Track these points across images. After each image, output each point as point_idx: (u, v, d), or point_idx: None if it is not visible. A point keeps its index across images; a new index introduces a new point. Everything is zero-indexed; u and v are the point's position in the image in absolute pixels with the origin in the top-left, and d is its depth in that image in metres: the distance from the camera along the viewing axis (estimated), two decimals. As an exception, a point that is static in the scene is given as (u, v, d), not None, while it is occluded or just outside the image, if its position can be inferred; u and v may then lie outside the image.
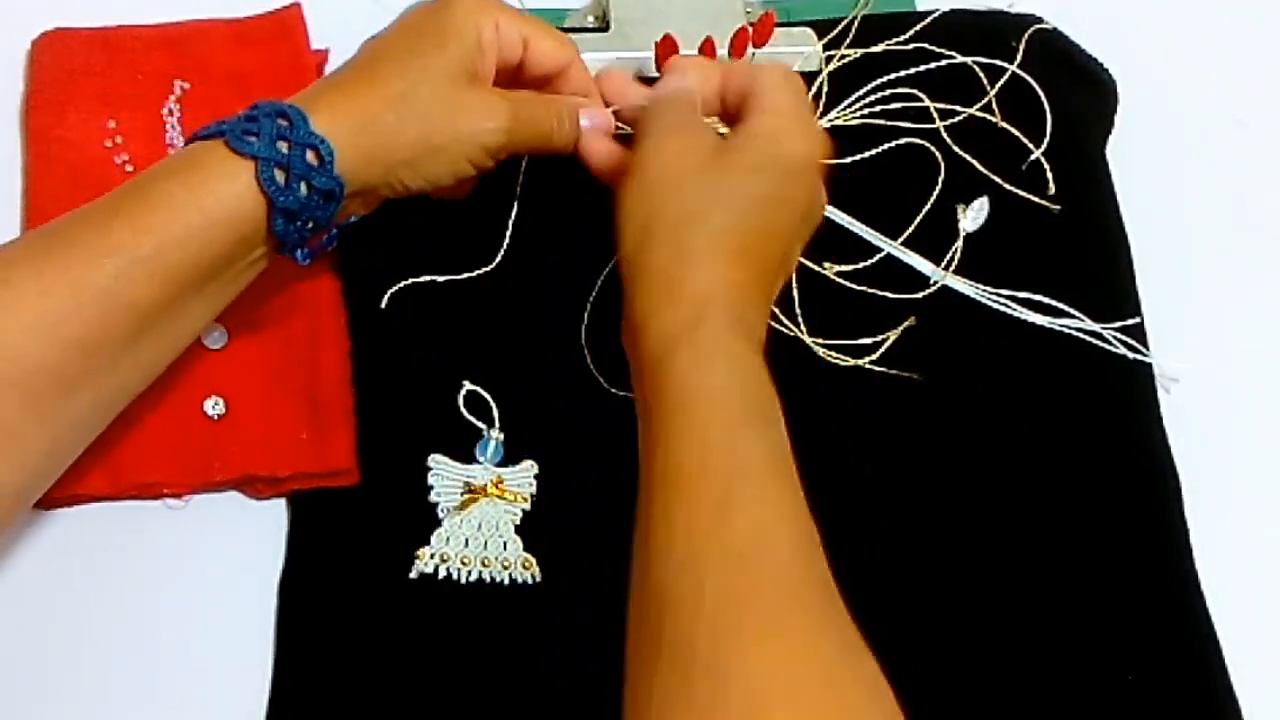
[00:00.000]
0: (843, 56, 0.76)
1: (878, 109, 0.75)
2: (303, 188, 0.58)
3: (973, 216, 0.73)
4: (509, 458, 0.68)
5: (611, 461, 0.67)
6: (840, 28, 0.77)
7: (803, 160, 0.60)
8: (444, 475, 0.67)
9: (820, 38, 0.77)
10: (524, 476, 0.67)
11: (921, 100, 0.75)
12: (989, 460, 0.69)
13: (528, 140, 0.64)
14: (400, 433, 0.68)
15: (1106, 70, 0.78)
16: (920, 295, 0.71)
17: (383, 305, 0.70)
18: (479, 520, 0.66)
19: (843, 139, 0.74)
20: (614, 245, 0.60)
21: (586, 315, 0.70)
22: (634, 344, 0.56)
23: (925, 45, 0.77)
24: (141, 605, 0.65)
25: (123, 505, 0.67)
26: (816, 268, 0.72)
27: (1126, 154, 0.77)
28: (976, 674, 0.65)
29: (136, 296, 0.57)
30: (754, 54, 0.71)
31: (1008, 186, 0.74)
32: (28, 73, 0.74)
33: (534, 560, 0.66)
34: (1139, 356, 0.71)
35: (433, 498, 0.67)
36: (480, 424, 0.68)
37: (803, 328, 0.70)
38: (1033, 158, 0.74)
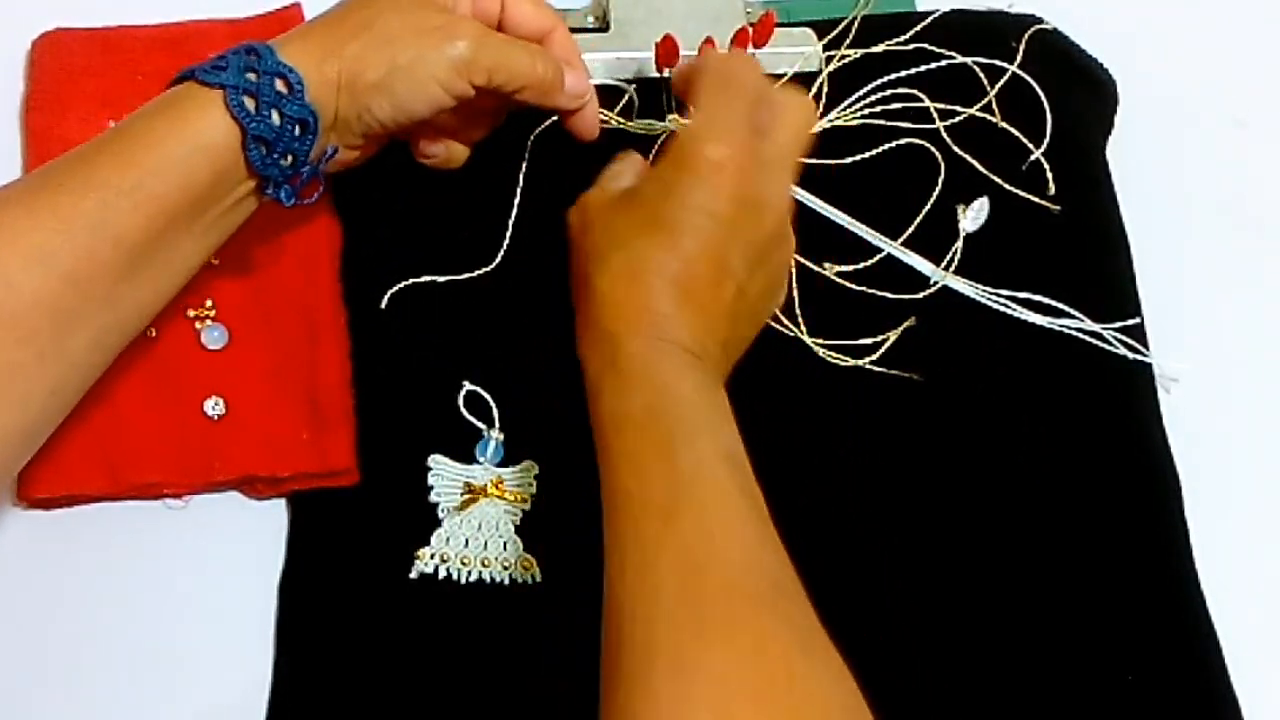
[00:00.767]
0: (843, 57, 0.76)
1: (878, 109, 0.75)
2: (274, 115, 0.59)
3: (973, 217, 0.73)
4: (509, 458, 0.68)
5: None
6: (840, 28, 0.77)
7: (705, 168, 0.59)
8: (444, 475, 0.67)
9: (820, 38, 0.76)
10: (524, 477, 0.67)
11: (921, 100, 0.75)
12: (989, 460, 0.69)
13: (498, 65, 0.63)
14: (400, 433, 0.68)
15: (1106, 70, 0.78)
16: (920, 295, 0.71)
17: (383, 305, 0.70)
18: (479, 520, 0.66)
19: (843, 139, 0.74)
20: None
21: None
22: (590, 354, 0.59)
23: (925, 45, 0.77)
24: (141, 605, 0.65)
25: (123, 505, 0.67)
26: (816, 268, 0.72)
27: (1126, 154, 0.77)
28: (976, 674, 0.65)
29: (123, 228, 0.58)
30: (754, 54, 0.71)
31: (1008, 187, 0.74)
32: (28, 73, 0.74)
33: (534, 560, 0.66)
34: (1139, 356, 0.71)
35: (433, 498, 0.67)
36: (480, 424, 0.68)
37: (803, 328, 0.70)
38: (1033, 158, 0.74)
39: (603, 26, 0.76)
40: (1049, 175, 0.74)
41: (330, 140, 0.63)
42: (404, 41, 0.61)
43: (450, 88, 0.62)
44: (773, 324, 0.70)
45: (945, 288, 0.71)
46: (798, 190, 0.72)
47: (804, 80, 0.75)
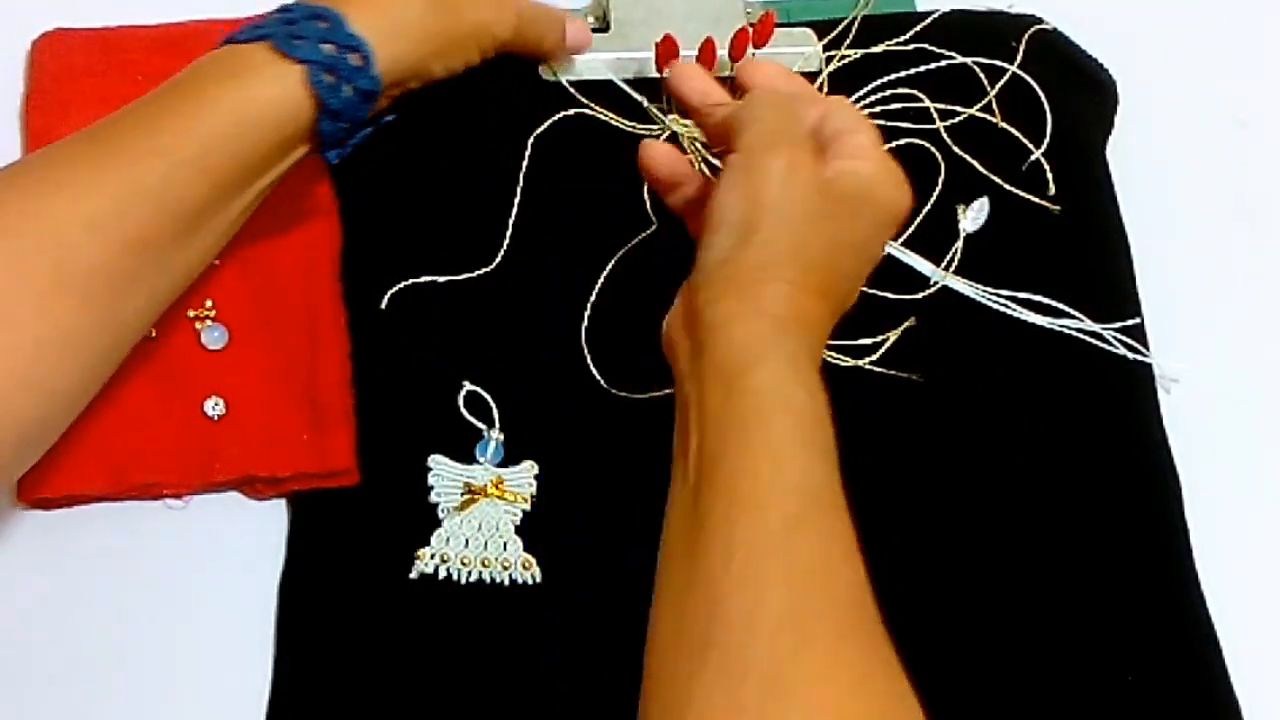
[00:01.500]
0: (843, 57, 0.76)
1: (878, 109, 0.75)
2: (348, 89, 0.61)
3: (973, 217, 0.73)
4: (509, 458, 0.68)
5: (611, 461, 0.67)
6: (840, 28, 0.77)
7: (893, 215, 0.59)
8: (444, 475, 0.67)
9: (820, 38, 0.77)
10: (524, 477, 0.67)
11: (921, 100, 0.75)
12: (989, 460, 0.69)
13: (526, 38, 0.69)
14: (400, 433, 0.68)
15: (1106, 70, 0.78)
16: (920, 295, 0.71)
17: (383, 305, 0.70)
18: (479, 521, 0.66)
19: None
20: (693, 231, 0.60)
21: (586, 315, 0.70)
22: (699, 341, 0.55)
23: (925, 45, 0.77)
24: (141, 605, 0.65)
25: (123, 505, 0.66)
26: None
27: (1126, 154, 0.77)
28: (977, 674, 0.65)
29: (185, 196, 0.58)
30: (754, 54, 0.71)
31: (1008, 187, 0.74)
32: (28, 73, 0.74)
33: (534, 560, 0.66)
34: (1139, 356, 0.71)
35: (433, 498, 0.67)
36: (480, 424, 0.68)
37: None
38: (1033, 158, 0.74)
39: (603, 26, 0.76)
40: (1049, 175, 0.74)
41: (382, 102, 0.64)
42: (461, 12, 0.65)
43: (487, 55, 0.67)
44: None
45: (945, 288, 0.71)
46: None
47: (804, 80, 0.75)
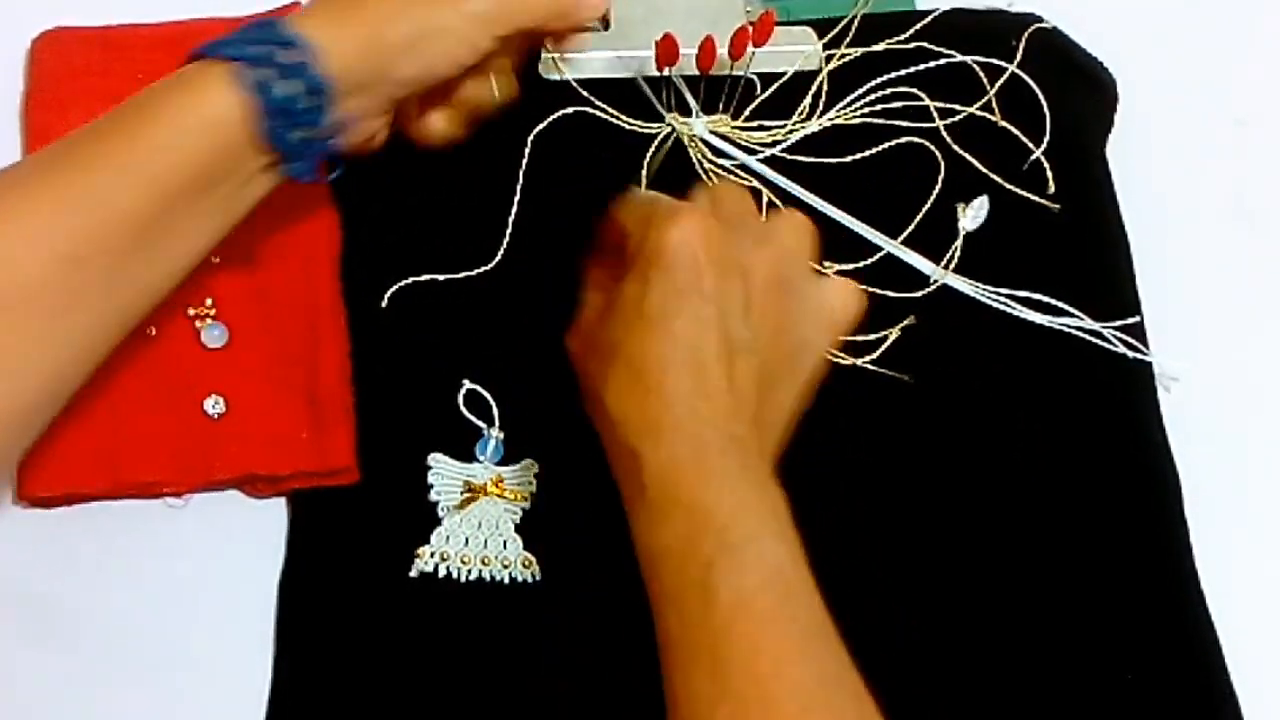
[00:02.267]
0: (843, 56, 0.76)
1: (878, 108, 0.75)
2: (282, 85, 0.58)
3: (973, 216, 0.73)
4: (509, 457, 0.68)
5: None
6: (840, 27, 0.77)
7: (671, 249, 0.56)
8: (444, 474, 0.67)
9: (820, 37, 0.76)
10: (524, 475, 0.67)
11: (921, 99, 0.75)
12: (989, 459, 0.69)
13: (523, 9, 0.62)
14: (400, 432, 0.68)
15: (1106, 70, 0.78)
16: (920, 294, 0.71)
17: (383, 305, 0.70)
18: (479, 519, 0.66)
19: (843, 138, 0.74)
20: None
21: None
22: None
23: (925, 44, 0.77)
24: (141, 605, 0.65)
25: (123, 505, 0.66)
26: (817, 266, 0.71)
27: (1126, 154, 0.77)
28: (976, 674, 0.65)
29: (126, 207, 0.56)
30: (754, 53, 0.71)
31: (1008, 186, 0.74)
32: (28, 72, 0.74)
33: (534, 559, 0.66)
34: (1139, 356, 0.71)
35: (433, 497, 0.67)
36: (480, 423, 0.68)
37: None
38: (1033, 158, 0.74)
39: (603, 25, 0.76)
40: (1049, 175, 0.74)
41: (349, 107, 0.60)
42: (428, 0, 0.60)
43: (477, 45, 0.61)
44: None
45: (945, 287, 0.71)
46: (798, 189, 0.72)
47: (804, 79, 0.75)
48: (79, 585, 0.66)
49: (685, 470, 0.53)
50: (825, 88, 0.76)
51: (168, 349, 0.68)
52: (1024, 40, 0.77)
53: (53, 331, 0.56)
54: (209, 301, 0.69)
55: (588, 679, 0.63)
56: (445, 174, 0.72)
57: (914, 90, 0.75)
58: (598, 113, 0.74)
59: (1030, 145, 0.75)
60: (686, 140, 0.73)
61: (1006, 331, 0.71)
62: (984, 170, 0.74)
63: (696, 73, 0.71)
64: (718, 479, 0.53)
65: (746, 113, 0.75)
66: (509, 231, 0.71)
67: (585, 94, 0.74)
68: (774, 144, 0.74)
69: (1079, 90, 0.77)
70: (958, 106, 0.75)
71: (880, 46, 0.76)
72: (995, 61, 0.76)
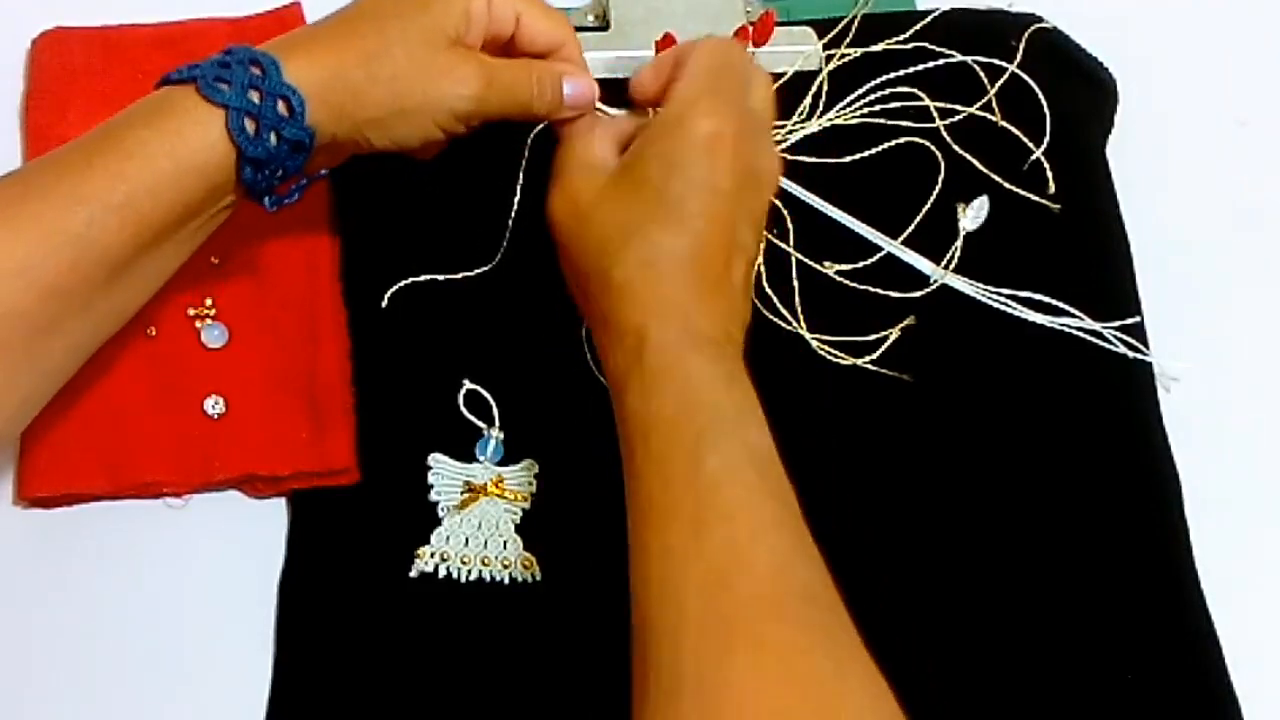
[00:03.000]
0: (843, 56, 0.76)
1: (878, 108, 0.75)
2: (272, 138, 0.58)
3: (973, 216, 0.73)
4: (509, 457, 0.68)
5: (611, 461, 0.67)
6: (840, 27, 0.77)
7: (705, 141, 0.58)
8: (444, 474, 0.67)
9: (820, 37, 0.77)
10: (524, 476, 0.67)
11: (921, 99, 0.75)
12: (988, 459, 0.69)
13: (502, 107, 0.63)
14: (400, 432, 0.68)
15: (1106, 70, 0.78)
16: (920, 294, 0.71)
17: (383, 305, 0.70)
18: (479, 519, 0.66)
19: (843, 138, 0.74)
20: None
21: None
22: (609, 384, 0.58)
23: (925, 44, 0.77)
24: (141, 605, 0.65)
25: (123, 505, 0.66)
26: (817, 266, 0.72)
27: (1126, 154, 0.77)
28: (976, 674, 0.65)
29: (109, 243, 0.57)
30: (754, 53, 0.71)
31: (1008, 186, 0.74)
32: (28, 72, 0.74)
33: (534, 559, 0.66)
34: (1139, 356, 0.71)
35: (433, 497, 0.67)
36: (480, 423, 0.68)
37: (803, 324, 0.70)
38: (1033, 158, 0.74)
39: (603, 25, 0.76)
40: (1049, 175, 0.74)
41: (321, 160, 0.62)
42: (409, 83, 0.60)
43: (450, 130, 0.62)
44: (775, 320, 0.70)
45: (945, 286, 0.71)
46: (798, 189, 0.72)
47: (804, 79, 0.75)
48: (79, 585, 0.65)
49: (685, 351, 0.55)
50: (825, 88, 0.76)
51: (168, 349, 0.68)
52: (1024, 40, 0.77)
53: (28, 358, 0.57)
54: (209, 301, 0.69)
55: (587, 679, 0.63)
56: (445, 174, 0.72)
57: (914, 90, 0.75)
58: (597, 113, 0.74)
59: (1030, 145, 0.75)
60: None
61: (1006, 331, 0.71)
62: (984, 170, 0.74)
63: (696, 73, 0.71)
64: (714, 365, 0.55)
65: (746, 113, 0.75)
66: (509, 231, 0.71)
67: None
68: (774, 144, 0.74)
69: (1079, 90, 0.77)
70: (958, 106, 0.75)
71: (880, 47, 0.77)
72: (995, 61, 0.76)
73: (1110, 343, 0.71)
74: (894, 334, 0.70)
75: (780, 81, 0.75)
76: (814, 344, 0.70)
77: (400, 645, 0.64)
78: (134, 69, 0.74)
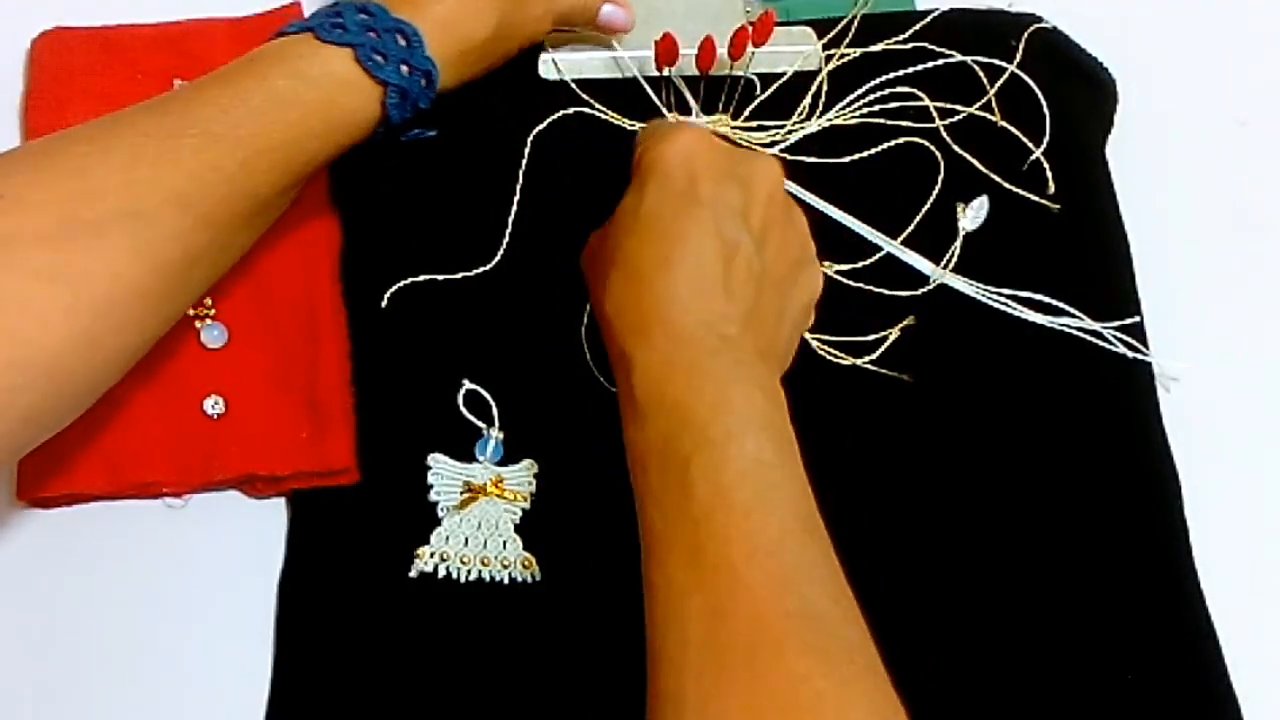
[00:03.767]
0: (842, 56, 0.76)
1: (877, 108, 0.75)
2: (404, 68, 0.63)
3: (972, 215, 0.73)
4: (509, 457, 0.68)
5: (612, 461, 0.67)
6: (840, 27, 0.77)
7: (657, 159, 0.61)
8: (444, 474, 0.67)
9: (820, 37, 0.77)
10: (524, 476, 0.67)
11: (921, 99, 0.75)
12: (988, 459, 0.69)
13: (576, 13, 0.71)
14: (400, 432, 0.68)
15: (1106, 70, 0.78)
16: (919, 293, 0.71)
17: (383, 305, 0.70)
18: (479, 519, 0.66)
19: (842, 138, 0.74)
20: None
21: (587, 314, 0.70)
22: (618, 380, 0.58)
23: (925, 45, 0.77)
24: (141, 605, 0.65)
25: (123, 505, 0.66)
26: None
27: (1126, 154, 0.77)
28: (976, 674, 0.65)
29: (260, 184, 0.61)
30: (754, 53, 0.71)
31: (1007, 186, 0.74)
32: (28, 72, 0.74)
33: (534, 560, 0.66)
34: (1139, 356, 0.71)
35: (432, 497, 0.67)
36: (480, 423, 0.68)
37: (802, 326, 0.70)
38: (1033, 158, 0.74)
39: (602, 26, 0.76)
40: (1049, 175, 0.74)
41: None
42: (520, 28, 0.68)
43: (535, 39, 0.70)
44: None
45: (945, 286, 0.71)
46: (798, 189, 0.72)
47: (804, 79, 0.75)
48: (79, 585, 0.65)
49: (673, 371, 0.55)
50: (825, 88, 0.76)
51: (168, 349, 0.68)
52: (1024, 40, 0.77)
53: (181, 281, 0.59)
54: (209, 301, 0.69)
55: (588, 679, 0.63)
56: (445, 174, 0.72)
57: (914, 90, 0.75)
58: (597, 113, 0.74)
59: (1030, 145, 0.75)
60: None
61: (1006, 331, 0.71)
62: (984, 170, 0.74)
63: (696, 73, 0.71)
64: (702, 378, 0.55)
65: (746, 113, 0.75)
66: (509, 231, 0.71)
67: (585, 95, 0.74)
68: (774, 144, 0.74)
69: (1079, 90, 0.77)
70: (958, 106, 0.75)
71: (880, 47, 0.77)
72: (995, 61, 0.76)
73: (1110, 343, 0.71)
74: (894, 334, 0.71)
75: (780, 82, 0.75)
76: (814, 344, 0.70)
77: (400, 645, 0.64)
78: (134, 69, 0.74)
